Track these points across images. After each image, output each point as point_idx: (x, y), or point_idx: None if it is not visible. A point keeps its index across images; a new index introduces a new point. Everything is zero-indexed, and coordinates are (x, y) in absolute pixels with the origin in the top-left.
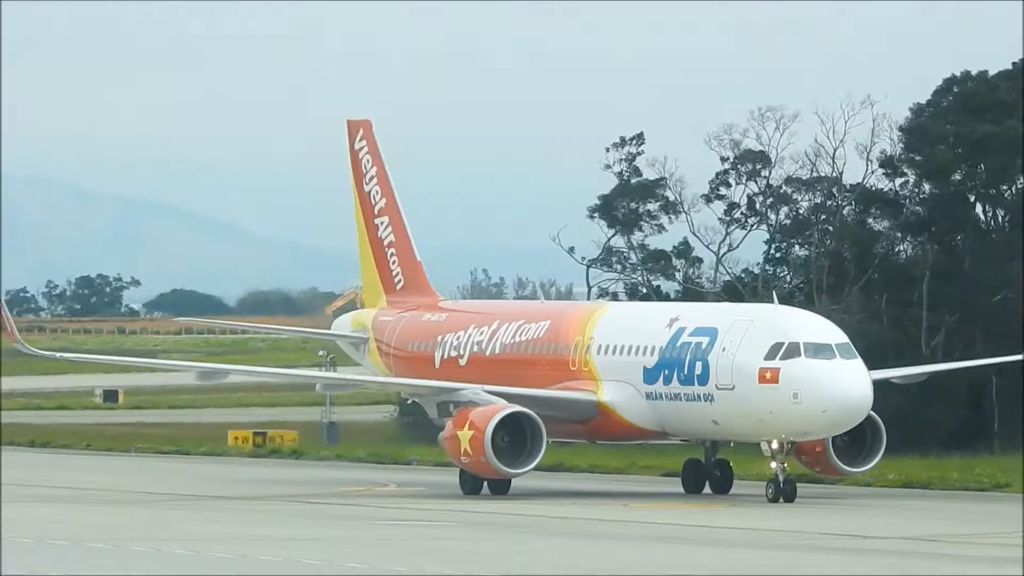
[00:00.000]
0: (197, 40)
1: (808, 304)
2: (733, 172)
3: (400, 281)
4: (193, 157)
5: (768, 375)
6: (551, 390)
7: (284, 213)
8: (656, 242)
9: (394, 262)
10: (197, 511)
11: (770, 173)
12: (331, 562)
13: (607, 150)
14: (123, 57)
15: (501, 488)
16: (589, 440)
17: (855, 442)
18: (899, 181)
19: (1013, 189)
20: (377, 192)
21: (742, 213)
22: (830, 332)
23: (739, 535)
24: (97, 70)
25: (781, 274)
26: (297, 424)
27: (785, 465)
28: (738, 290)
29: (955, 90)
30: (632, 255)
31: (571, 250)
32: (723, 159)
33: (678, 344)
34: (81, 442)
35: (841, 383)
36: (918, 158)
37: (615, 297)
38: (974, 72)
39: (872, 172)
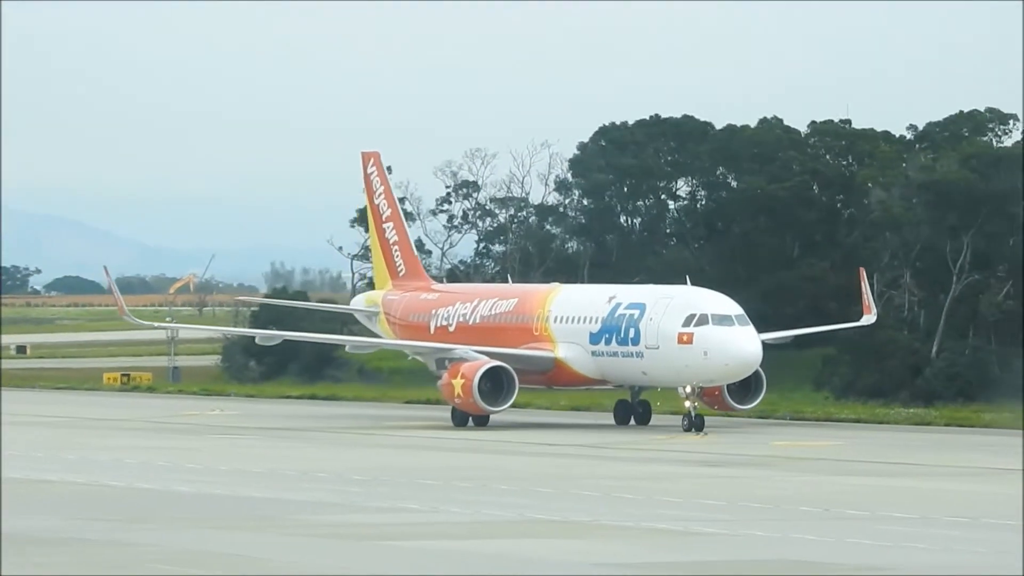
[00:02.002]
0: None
1: (514, 279)
2: (453, 194)
3: (402, 270)
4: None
5: (685, 338)
6: (520, 349)
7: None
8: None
9: (397, 255)
10: (81, 429)
11: (478, 194)
12: (178, 464)
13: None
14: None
15: (482, 422)
16: (547, 386)
17: (743, 386)
18: (568, 199)
19: (646, 203)
20: (384, 204)
21: (459, 222)
22: (730, 306)
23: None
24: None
25: (487, 264)
26: (151, 368)
27: (696, 404)
28: (456, 274)
29: (605, 135)
30: None
31: (340, 248)
32: (446, 185)
33: (616, 315)
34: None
35: (739, 344)
36: (581, 182)
37: (372, 282)
38: (618, 122)
39: (549, 192)
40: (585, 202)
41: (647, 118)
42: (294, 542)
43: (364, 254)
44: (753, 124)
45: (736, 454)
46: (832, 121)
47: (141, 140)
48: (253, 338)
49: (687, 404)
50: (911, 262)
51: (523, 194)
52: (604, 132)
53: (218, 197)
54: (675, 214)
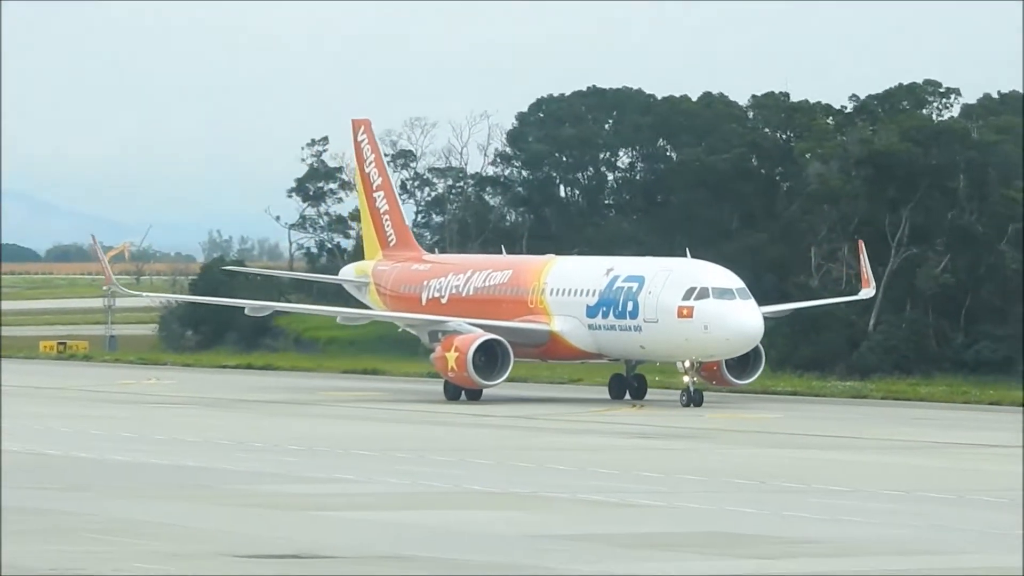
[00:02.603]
0: None
1: (451, 249)
2: (392, 164)
3: (393, 240)
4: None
5: (685, 312)
6: (514, 322)
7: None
8: (337, 209)
9: (388, 226)
10: (17, 398)
11: (417, 164)
12: (114, 433)
13: (302, 148)
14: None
15: (475, 396)
16: (542, 360)
17: (741, 362)
18: (507, 170)
19: (585, 174)
20: (375, 173)
21: (397, 192)
22: (731, 279)
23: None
24: None
25: (425, 235)
26: (88, 336)
27: (695, 379)
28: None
29: (543, 106)
30: (320, 220)
31: (277, 218)
32: (385, 155)
33: (614, 288)
34: None
35: (740, 318)
36: (520, 153)
37: (309, 251)
38: (555, 94)
39: (488, 163)
40: (524, 173)
41: (585, 89)
42: (229, 512)
43: (302, 223)
44: (695, 97)
45: (673, 427)
46: (772, 93)
47: (77, 108)
48: (190, 308)
49: (686, 379)
50: (849, 235)
51: (462, 164)
52: (543, 103)
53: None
54: (614, 185)
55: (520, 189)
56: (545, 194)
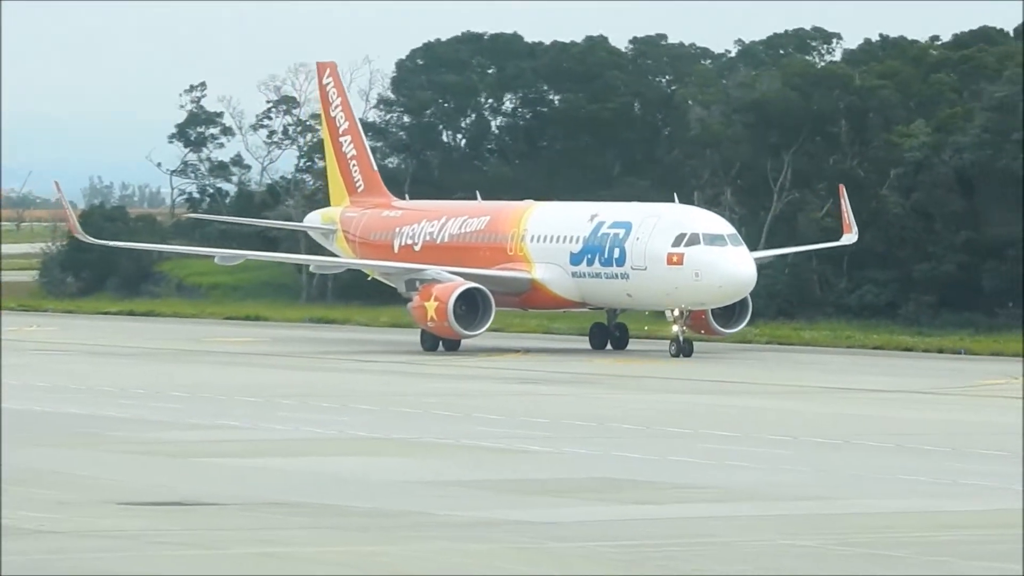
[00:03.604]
0: None
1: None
2: (274, 109)
3: (360, 185)
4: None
5: (675, 259)
6: (494, 270)
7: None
8: (219, 155)
9: (356, 171)
10: None
11: (299, 110)
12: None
13: (180, 95)
14: None
15: (454, 346)
16: (522, 308)
17: (726, 310)
18: (389, 115)
19: (467, 120)
20: (342, 117)
21: (279, 137)
22: (722, 225)
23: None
24: None
25: (307, 180)
26: None
27: (685, 328)
28: (276, 191)
29: (425, 52)
30: (202, 166)
31: (159, 165)
32: (267, 100)
33: (599, 235)
34: None
35: (733, 265)
36: (402, 98)
37: (191, 197)
38: (444, 39)
39: (370, 109)
40: (407, 119)
41: (465, 33)
42: (115, 460)
43: (183, 170)
44: (579, 40)
45: (560, 371)
46: (652, 37)
47: None
48: (70, 253)
49: (675, 328)
50: (732, 180)
51: None
52: (427, 48)
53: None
54: (496, 131)
55: (402, 135)
56: (428, 140)
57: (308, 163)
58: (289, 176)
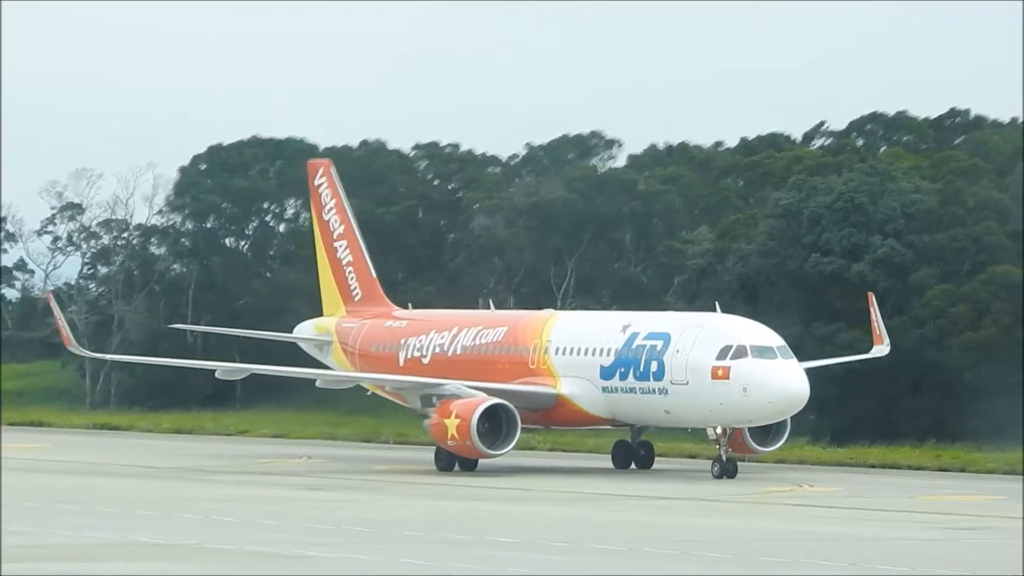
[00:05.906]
0: None
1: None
2: (58, 215)
3: (358, 294)
4: None
5: (720, 372)
6: (515, 384)
7: None
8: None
9: (352, 278)
10: None
11: (83, 216)
12: None
13: None
14: None
15: (471, 467)
16: (545, 426)
17: (763, 427)
18: (173, 220)
19: (250, 225)
20: (336, 220)
21: (63, 244)
22: (770, 336)
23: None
24: None
25: (91, 286)
26: None
27: (728, 448)
28: (60, 296)
29: (212, 156)
30: None
31: None
32: (51, 207)
33: (633, 346)
34: None
35: (784, 380)
36: (188, 202)
37: None
38: (225, 143)
39: (154, 214)
40: (190, 225)
41: (249, 138)
42: None
43: None
44: (354, 145)
45: (342, 476)
46: (437, 144)
47: None
48: None
49: (718, 447)
50: (515, 287)
51: (127, 216)
52: (212, 152)
53: None
54: (281, 236)
55: (184, 241)
56: (212, 245)
57: (91, 269)
58: (72, 283)
